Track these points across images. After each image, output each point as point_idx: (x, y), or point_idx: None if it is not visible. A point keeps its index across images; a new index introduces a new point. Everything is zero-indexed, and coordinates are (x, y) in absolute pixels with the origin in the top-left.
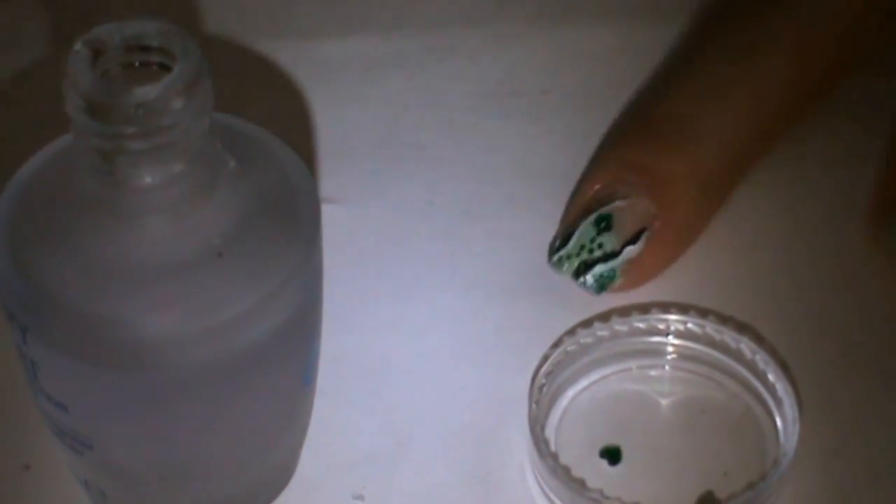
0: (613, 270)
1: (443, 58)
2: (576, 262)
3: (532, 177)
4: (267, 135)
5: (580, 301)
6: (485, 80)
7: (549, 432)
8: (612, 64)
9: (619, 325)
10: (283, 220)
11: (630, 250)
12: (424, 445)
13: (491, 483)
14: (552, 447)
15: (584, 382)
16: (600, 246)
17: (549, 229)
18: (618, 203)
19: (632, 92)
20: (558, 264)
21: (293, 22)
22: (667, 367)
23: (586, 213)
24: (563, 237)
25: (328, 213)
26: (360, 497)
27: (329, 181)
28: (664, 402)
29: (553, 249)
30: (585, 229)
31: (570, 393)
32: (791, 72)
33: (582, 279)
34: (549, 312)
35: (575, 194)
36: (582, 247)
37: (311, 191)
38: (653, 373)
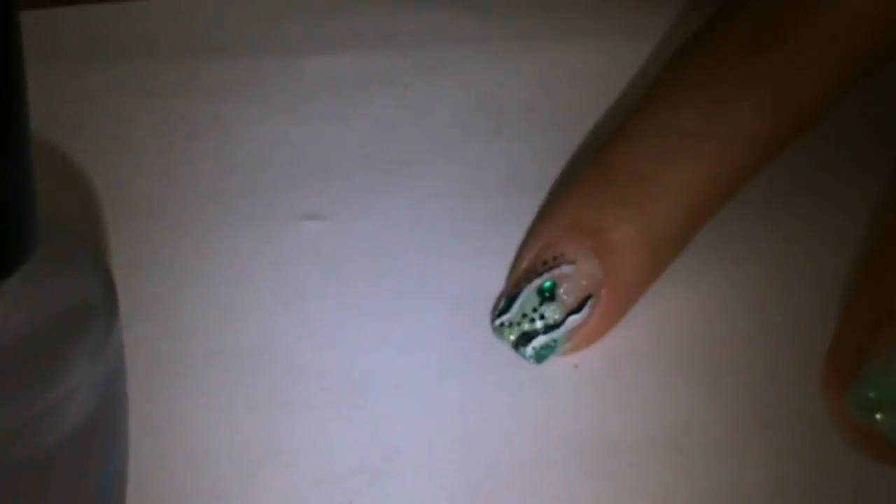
0: (555, 341)
1: (430, 75)
2: (516, 332)
3: (519, 193)
4: (61, 230)
5: None
6: (472, 97)
7: None
8: (598, 82)
9: None
10: (70, 328)
11: (573, 320)
12: (412, 459)
13: (478, 497)
14: None
15: None
16: (542, 317)
17: None
18: (563, 269)
19: (619, 110)
20: (499, 331)
21: (280, 37)
22: None
23: (530, 274)
24: (507, 301)
25: (314, 229)
26: None
27: (315, 197)
28: None
29: (497, 312)
30: (528, 296)
31: None
32: (764, 127)
33: (521, 350)
34: None
35: (521, 249)
36: (524, 315)
37: (105, 295)
38: None
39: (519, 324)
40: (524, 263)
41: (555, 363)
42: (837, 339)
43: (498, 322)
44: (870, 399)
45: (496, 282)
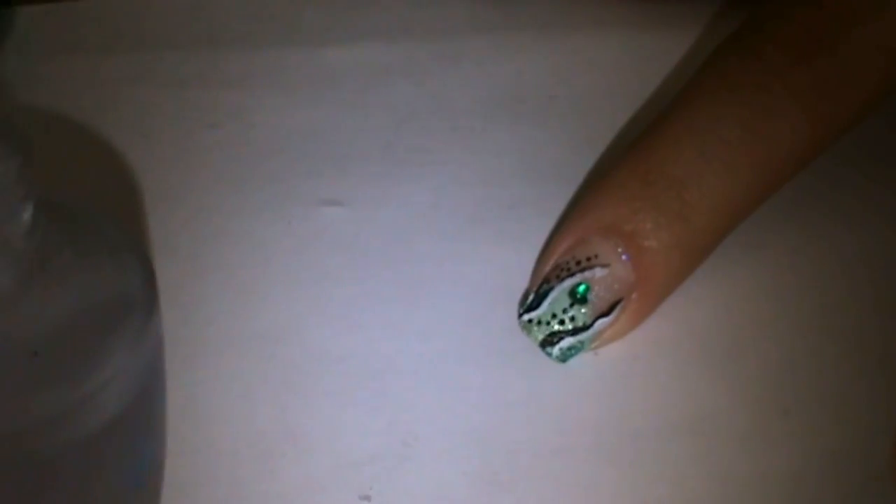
0: (581, 343)
1: (450, 64)
2: (544, 332)
3: (539, 180)
4: (107, 222)
5: None
6: (491, 86)
7: None
8: (618, 71)
9: None
10: (110, 319)
11: (602, 322)
12: (431, 446)
13: (497, 484)
14: None
15: None
16: (572, 319)
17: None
18: (597, 272)
19: (637, 98)
20: (528, 327)
21: (302, 28)
22: None
23: (561, 271)
24: (536, 297)
25: (334, 215)
26: (366, 497)
27: (335, 184)
28: None
29: (525, 306)
30: (559, 296)
31: None
32: (805, 140)
33: (548, 349)
34: None
35: (552, 242)
36: (553, 315)
37: (146, 288)
38: None
39: (548, 323)
40: (554, 258)
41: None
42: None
43: (526, 318)
44: None
45: (516, 268)
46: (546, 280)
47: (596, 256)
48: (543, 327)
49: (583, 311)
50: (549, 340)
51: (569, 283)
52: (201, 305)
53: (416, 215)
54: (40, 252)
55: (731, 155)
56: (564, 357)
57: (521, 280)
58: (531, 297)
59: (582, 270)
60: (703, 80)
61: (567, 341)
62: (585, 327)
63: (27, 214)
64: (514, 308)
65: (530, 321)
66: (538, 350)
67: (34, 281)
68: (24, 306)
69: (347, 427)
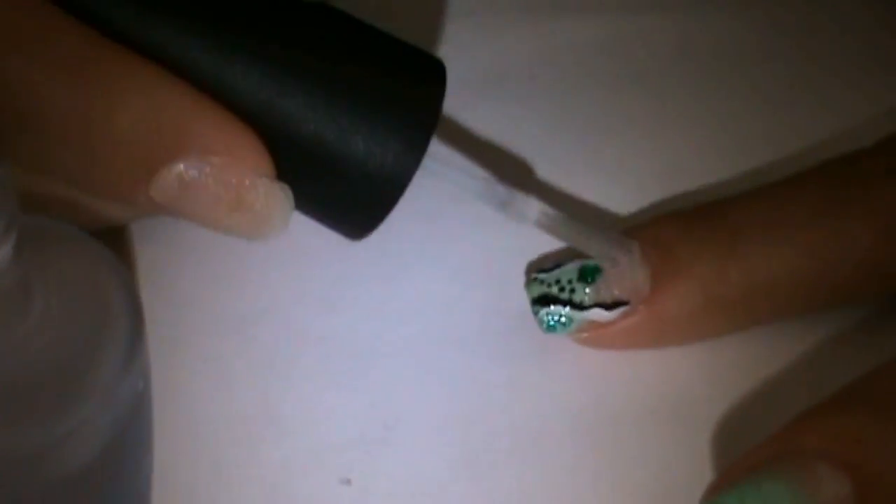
0: (570, 320)
1: (430, 46)
2: (541, 291)
3: (520, 159)
4: (88, 239)
5: None
6: (473, 67)
7: None
8: (599, 52)
9: None
10: (90, 354)
11: (598, 312)
12: (412, 429)
13: (478, 467)
14: None
15: None
16: (572, 291)
17: None
18: (617, 266)
19: (618, 79)
20: (530, 283)
21: None
22: None
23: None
24: (554, 264)
25: None
26: (347, 481)
27: None
28: None
29: (538, 268)
30: (570, 268)
31: None
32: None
33: (536, 309)
34: None
35: (600, 230)
36: (557, 281)
37: (131, 314)
38: None
39: (549, 285)
40: (597, 237)
41: (556, 336)
42: (746, 454)
43: (533, 275)
44: None
45: (497, 250)
46: (571, 257)
47: (625, 255)
48: (543, 287)
49: (586, 290)
50: (542, 300)
51: (581, 263)
52: (179, 286)
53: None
54: (18, 287)
55: (800, 235)
56: (548, 325)
57: (502, 261)
58: (549, 264)
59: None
60: (826, 165)
61: (557, 308)
62: (581, 307)
63: (2, 254)
64: (495, 290)
65: (534, 280)
66: (520, 334)
67: (11, 319)
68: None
69: (328, 410)
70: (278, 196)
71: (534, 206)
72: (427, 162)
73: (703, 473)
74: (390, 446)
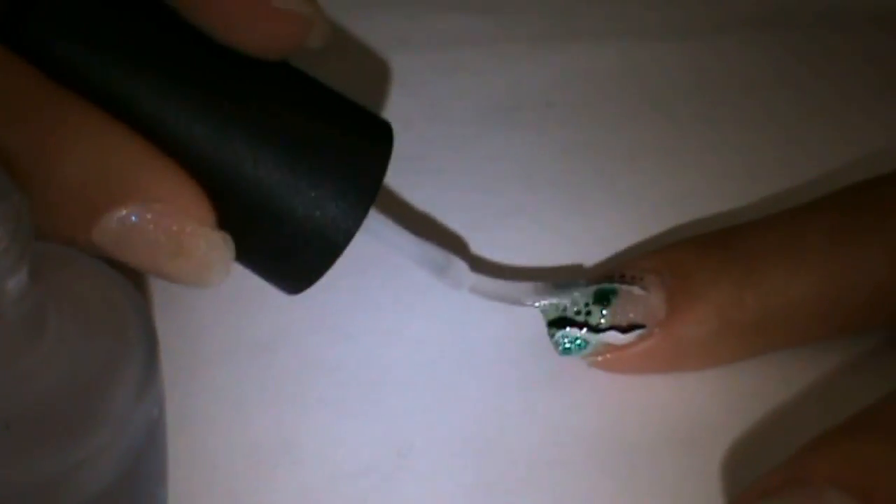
0: (586, 343)
1: (446, 74)
2: (557, 314)
3: (536, 188)
4: (101, 266)
5: None
6: (488, 94)
7: None
8: (615, 79)
9: None
10: (103, 385)
11: (614, 335)
12: (426, 456)
13: (493, 495)
14: None
15: None
16: (588, 314)
17: (552, 239)
18: (634, 290)
19: (634, 106)
20: (545, 308)
21: None
22: None
23: (601, 278)
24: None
25: None
26: None
27: None
28: None
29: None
30: (586, 291)
31: None
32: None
33: (551, 332)
34: None
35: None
36: (573, 304)
37: (146, 341)
38: None
39: (564, 308)
40: (604, 271)
41: (571, 361)
42: (757, 481)
43: (547, 301)
44: None
45: (512, 276)
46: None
47: (641, 279)
48: (559, 311)
49: (602, 312)
50: (558, 323)
51: (595, 287)
52: (195, 314)
53: (411, 223)
54: (33, 314)
55: (817, 261)
56: (563, 347)
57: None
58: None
59: (622, 282)
60: (842, 192)
61: (573, 331)
62: (597, 329)
63: (16, 282)
64: (509, 317)
65: (548, 305)
66: (535, 361)
67: (26, 346)
68: (3, 377)
69: (342, 437)
70: (219, 245)
71: (468, 275)
72: (369, 223)
73: (717, 501)
74: (405, 474)
